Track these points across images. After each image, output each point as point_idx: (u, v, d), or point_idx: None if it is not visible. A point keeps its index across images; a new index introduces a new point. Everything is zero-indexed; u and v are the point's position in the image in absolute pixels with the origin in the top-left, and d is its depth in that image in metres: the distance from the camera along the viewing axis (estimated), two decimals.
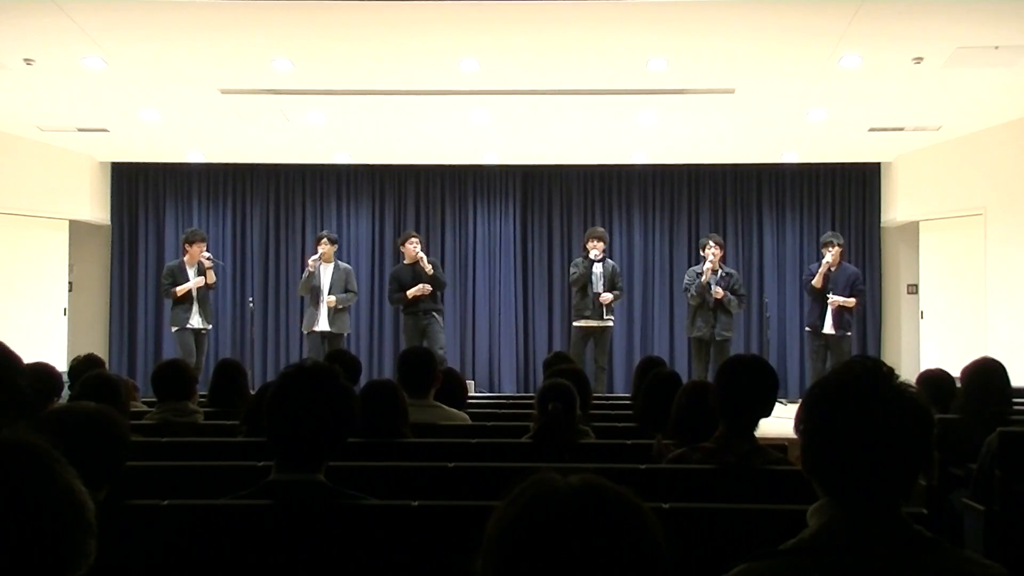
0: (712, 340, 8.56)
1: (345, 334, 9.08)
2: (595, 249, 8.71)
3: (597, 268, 8.69)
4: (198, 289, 8.72)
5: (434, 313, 8.81)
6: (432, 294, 8.78)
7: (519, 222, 11.04)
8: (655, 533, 1.10)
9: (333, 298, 8.76)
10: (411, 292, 8.65)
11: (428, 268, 8.69)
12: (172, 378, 4.30)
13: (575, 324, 8.88)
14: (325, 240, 8.98)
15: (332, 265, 8.96)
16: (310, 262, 8.91)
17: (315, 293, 8.86)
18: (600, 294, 8.63)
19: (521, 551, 1.07)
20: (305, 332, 9.05)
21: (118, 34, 6.62)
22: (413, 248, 8.79)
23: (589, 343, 8.75)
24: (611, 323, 8.84)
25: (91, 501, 1.11)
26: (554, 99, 8.19)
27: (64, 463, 1.11)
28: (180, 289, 8.61)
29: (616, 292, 8.78)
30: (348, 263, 9.69)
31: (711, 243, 8.71)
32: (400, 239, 9.30)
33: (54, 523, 1.05)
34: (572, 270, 8.93)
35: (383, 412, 3.42)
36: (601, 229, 9.20)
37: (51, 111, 8.65)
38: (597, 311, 8.65)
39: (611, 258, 9.27)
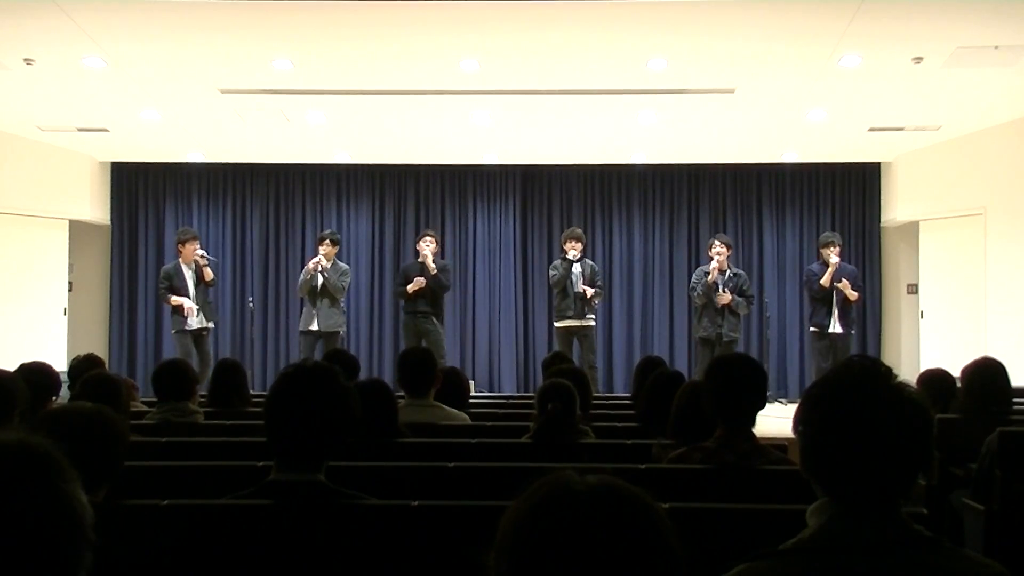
0: (719, 341, 8.55)
1: (340, 332, 8.97)
2: (572, 250, 8.74)
3: (576, 268, 8.71)
4: (196, 290, 8.71)
5: (432, 317, 8.79)
6: (432, 297, 8.75)
7: (519, 222, 11.04)
8: (669, 535, 1.11)
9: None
10: (410, 287, 8.68)
11: (432, 267, 8.70)
12: (173, 378, 4.30)
13: (557, 325, 8.90)
14: (329, 241, 8.91)
15: (331, 265, 8.89)
16: (311, 264, 8.82)
17: (313, 293, 8.82)
18: (583, 291, 8.59)
19: (536, 547, 1.07)
20: (301, 330, 9.05)
21: (118, 34, 6.62)
22: (424, 246, 8.81)
23: (575, 343, 8.75)
24: (592, 322, 8.85)
25: (90, 510, 1.08)
26: (554, 99, 8.18)
27: (64, 468, 1.09)
28: (174, 300, 8.61)
29: (596, 289, 8.77)
30: (347, 263, 9.64)
31: (717, 243, 8.70)
32: (418, 236, 9.32)
33: (49, 534, 1.02)
34: (551, 272, 8.95)
35: (375, 412, 3.39)
36: (579, 230, 9.20)
37: (51, 111, 8.64)
38: (578, 310, 8.66)
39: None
